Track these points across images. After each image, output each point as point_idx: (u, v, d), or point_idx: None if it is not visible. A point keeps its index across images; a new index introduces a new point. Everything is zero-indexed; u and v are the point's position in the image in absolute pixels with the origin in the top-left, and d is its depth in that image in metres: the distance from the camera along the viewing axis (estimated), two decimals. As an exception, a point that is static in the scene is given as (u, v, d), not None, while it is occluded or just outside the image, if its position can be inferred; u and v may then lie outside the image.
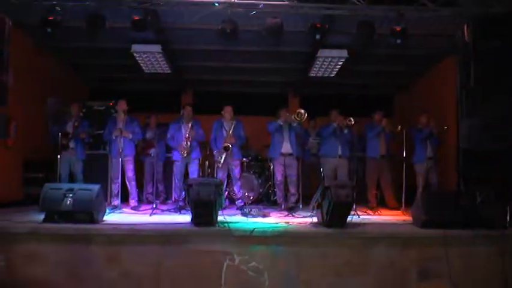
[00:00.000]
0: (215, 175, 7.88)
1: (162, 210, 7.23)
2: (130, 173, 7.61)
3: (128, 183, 7.66)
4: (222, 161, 7.61)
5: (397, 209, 7.77)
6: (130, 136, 7.49)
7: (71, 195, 5.63)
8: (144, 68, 9.06)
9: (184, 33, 7.81)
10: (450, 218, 5.74)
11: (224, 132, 7.75)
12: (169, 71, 9.35)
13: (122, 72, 10.15)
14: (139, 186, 8.14)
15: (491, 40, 5.88)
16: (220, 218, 5.96)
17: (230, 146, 7.55)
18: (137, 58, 8.48)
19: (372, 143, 8.16)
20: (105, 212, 6.21)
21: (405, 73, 10.12)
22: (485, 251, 5.52)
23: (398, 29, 6.41)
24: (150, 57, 8.44)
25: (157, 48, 8.09)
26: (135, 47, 8.09)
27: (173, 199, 8.09)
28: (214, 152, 7.83)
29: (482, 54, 5.96)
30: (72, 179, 7.58)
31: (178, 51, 8.81)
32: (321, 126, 8.34)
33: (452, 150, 8.12)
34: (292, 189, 7.80)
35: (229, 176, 7.96)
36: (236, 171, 7.87)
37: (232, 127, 7.74)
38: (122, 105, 7.58)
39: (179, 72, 9.92)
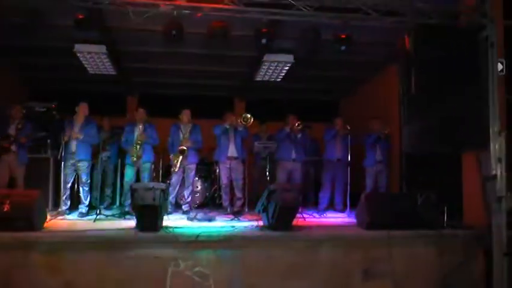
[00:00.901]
0: (160, 179, 7.76)
1: (106, 216, 7.04)
2: (84, 177, 7.37)
3: (80, 187, 7.42)
4: (178, 164, 7.53)
5: (343, 211, 7.93)
6: (81, 137, 7.24)
7: (8, 201, 5.39)
8: (88, 68, 8.80)
9: (130, 34, 7.63)
10: (393, 220, 5.91)
11: (180, 135, 7.68)
12: (114, 73, 9.14)
13: (65, 73, 9.80)
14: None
15: (433, 49, 6.07)
16: (165, 223, 5.90)
17: (186, 148, 7.49)
18: (81, 58, 8.22)
19: (329, 146, 8.36)
20: (46, 219, 5.98)
21: (351, 79, 10.32)
22: (425, 251, 5.73)
23: (343, 35, 6.55)
24: (94, 57, 8.19)
25: (101, 48, 7.88)
26: (78, 47, 7.81)
27: (118, 204, 7.91)
28: (171, 156, 7.73)
29: (424, 62, 6.12)
30: (12, 184, 7.23)
31: (124, 53, 8.61)
32: (278, 130, 8.44)
33: (397, 155, 8.39)
34: (238, 193, 7.82)
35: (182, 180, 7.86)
36: (191, 174, 7.80)
37: (189, 130, 7.70)
38: (84, 109, 7.39)
39: (125, 74, 9.71)
